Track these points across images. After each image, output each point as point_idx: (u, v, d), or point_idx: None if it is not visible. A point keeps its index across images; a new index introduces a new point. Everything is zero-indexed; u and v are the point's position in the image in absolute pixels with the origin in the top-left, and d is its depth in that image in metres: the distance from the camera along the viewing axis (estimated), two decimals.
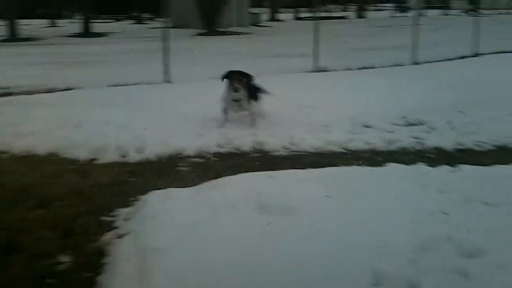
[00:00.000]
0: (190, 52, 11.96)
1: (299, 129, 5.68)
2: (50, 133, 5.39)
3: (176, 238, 2.98)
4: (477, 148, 5.21)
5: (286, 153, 5.05)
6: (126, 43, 12.41)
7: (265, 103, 6.20)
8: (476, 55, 13.10)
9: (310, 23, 11.23)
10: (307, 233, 2.98)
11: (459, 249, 2.80)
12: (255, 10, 37.11)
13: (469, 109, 6.69)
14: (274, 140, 5.31)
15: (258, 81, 6.18)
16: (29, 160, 4.80)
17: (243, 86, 5.68)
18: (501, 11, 35.78)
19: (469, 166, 4.33)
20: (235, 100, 5.76)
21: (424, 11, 33.96)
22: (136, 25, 32.59)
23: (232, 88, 5.66)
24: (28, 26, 22.79)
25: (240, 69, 5.90)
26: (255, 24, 32.35)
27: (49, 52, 10.53)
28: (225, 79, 5.76)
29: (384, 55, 12.26)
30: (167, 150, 5.02)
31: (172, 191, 3.78)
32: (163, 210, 3.41)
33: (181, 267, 2.68)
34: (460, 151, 5.13)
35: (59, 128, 5.55)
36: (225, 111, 5.89)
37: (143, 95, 7.49)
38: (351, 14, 46.73)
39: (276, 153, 5.06)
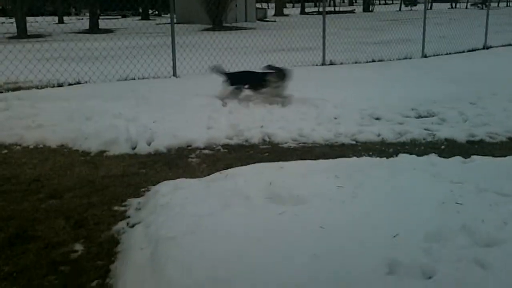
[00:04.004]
0: (196, 47, 11.95)
1: (308, 121, 5.67)
2: (61, 125, 5.41)
3: (188, 228, 2.97)
4: (489, 140, 5.16)
5: (295, 145, 5.04)
6: (134, 39, 12.42)
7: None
8: (486, 47, 13.02)
9: (316, 17, 11.25)
10: (319, 223, 2.96)
11: (474, 238, 2.77)
12: (261, 5, 37.04)
13: (480, 100, 6.68)
14: (283, 132, 5.30)
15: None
16: (41, 152, 4.82)
17: None
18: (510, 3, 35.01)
19: (481, 157, 4.30)
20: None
21: (430, 5, 33.73)
22: (143, 21, 32.56)
23: None
24: (37, 23, 22.81)
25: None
26: (262, 19, 32.28)
27: (58, 48, 10.54)
28: None
29: (393, 49, 12.22)
30: (177, 142, 5.02)
31: (182, 182, 3.78)
32: (174, 200, 3.41)
33: (192, 256, 2.67)
34: (472, 142, 5.09)
35: (69, 120, 5.57)
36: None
37: (152, 89, 7.50)
38: (357, 8, 46.48)
39: (285, 145, 5.04)
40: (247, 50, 11.79)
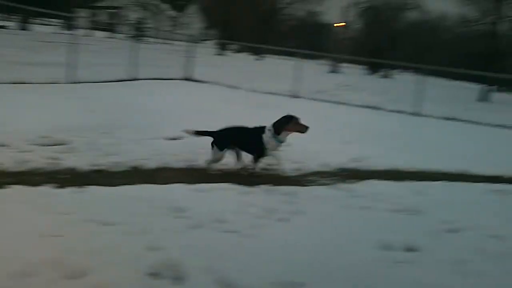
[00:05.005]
0: None
1: None
2: None
3: None
4: (114, 169, 5.36)
5: None
6: None
7: None
8: (134, 79, 13.75)
9: None
10: None
11: (64, 271, 2.80)
12: None
13: (114, 131, 6.90)
14: None
15: None
16: None
17: None
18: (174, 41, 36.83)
19: (97, 186, 4.46)
20: None
21: (90, 32, 34.18)
22: None
23: None
24: None
25: None
26: None
27: None
28: None
29: (40, 71, 11.74)
30: None
31: None
32: None
33: None
34: (96, 171, 5.20)
35: None
36: None
37: None
38: (13, 24, 43.15)
39: None
40: None
